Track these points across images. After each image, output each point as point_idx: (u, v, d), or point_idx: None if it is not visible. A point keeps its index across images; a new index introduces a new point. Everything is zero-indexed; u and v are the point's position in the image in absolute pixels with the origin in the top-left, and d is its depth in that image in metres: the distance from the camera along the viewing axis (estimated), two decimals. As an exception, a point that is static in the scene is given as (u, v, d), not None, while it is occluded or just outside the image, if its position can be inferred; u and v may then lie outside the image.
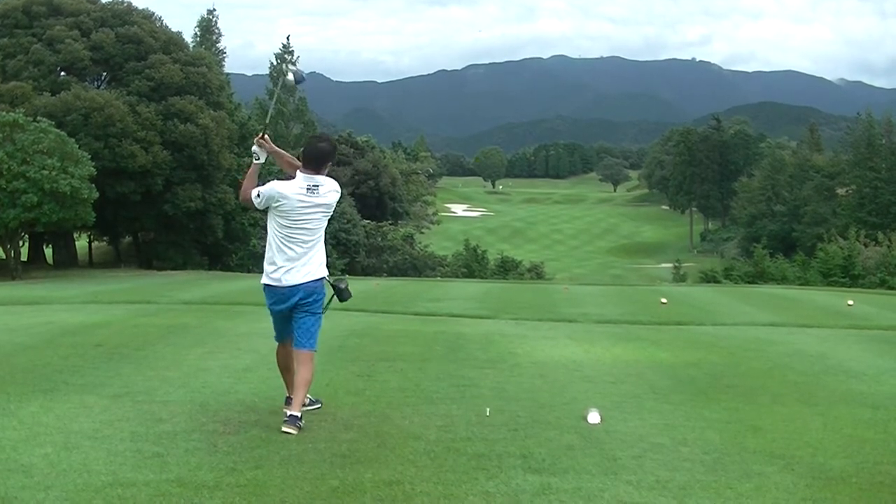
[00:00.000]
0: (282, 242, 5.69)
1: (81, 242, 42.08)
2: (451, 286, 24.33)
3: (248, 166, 6.04)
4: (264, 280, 5.79)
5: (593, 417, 5.88)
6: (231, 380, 7.12)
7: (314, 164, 5.70)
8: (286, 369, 5.98)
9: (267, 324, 11.66)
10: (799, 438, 5.59)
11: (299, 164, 5.83)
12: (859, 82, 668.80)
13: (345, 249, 43.98)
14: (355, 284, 27.39)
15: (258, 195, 5.69)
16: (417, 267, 47.38)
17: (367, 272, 42.76)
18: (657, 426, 5.84)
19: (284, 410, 5.58)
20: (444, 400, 6.56)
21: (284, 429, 5.38)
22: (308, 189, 5.62)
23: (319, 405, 6.06)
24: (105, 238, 41.16)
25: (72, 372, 7.28)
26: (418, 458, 4.88)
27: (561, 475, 4.60)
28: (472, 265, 48.45)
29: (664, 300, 18.12)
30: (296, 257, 5.67)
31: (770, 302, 18.95)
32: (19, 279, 26.74)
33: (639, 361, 8.89)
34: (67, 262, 36.51)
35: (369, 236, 47.92)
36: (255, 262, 36.88)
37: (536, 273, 51.07)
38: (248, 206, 6.06)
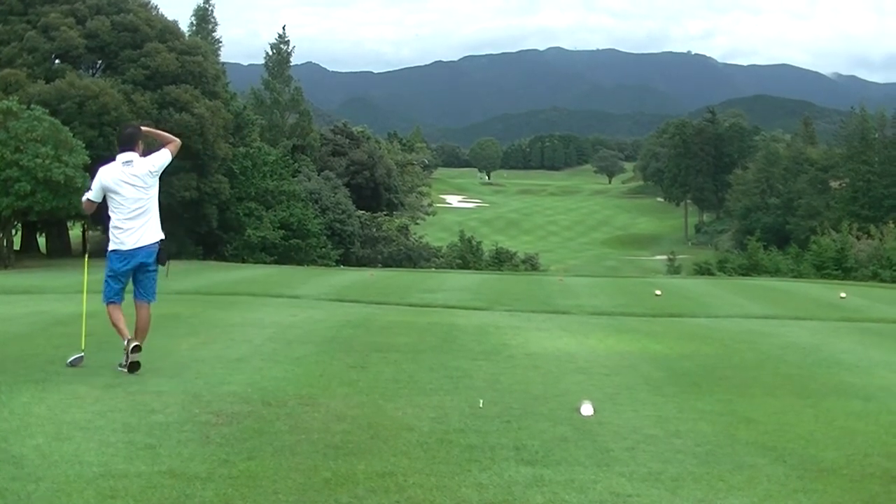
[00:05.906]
0: (122, 212, 6.92)
1: (75, 231, 41.95)
2: (445, 277, 24.34)
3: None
4: (112, 247, 7.00)
5: (586, 409, 5.89)
6: (224, 370, 7.11)
7: (124, 144, 7.17)
8: (118, 320, 7.03)
9: (261, 314, 11.68)
10: (791, 430, 5.60)
11: (171, 136, 7.36)
12: (853, 76, 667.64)
13: (340, 240, 43.87)
14: (350, 275, 27.16)
15: (91, 191, 7.05)
16: (412, 258, 47.35)
17: (361, 263, 42.73)
18: (650, 418, 5.85)
19: (132, 347, 6.83)
20: (438, 391, 6.56)
21: (134, 358, 6.77)
22: (123, 164, 6.99)
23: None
24: (99, 227, 41.02)
25: (64, 362, 7.26)
26: (411, 449, 4.87)
27: (554, 467, 4.61)
28: (466, 256, 48.39)
29: (658, 292, 18.15)
30: (136, 223, 6.93)
31: (763, 294, 19.00)
32: (12, 268, 26.67)
33: (632, 353, 8.91)
34: (61, 251, 36.39)
35: (364, 227, 47.81)
36: (250, 252, 36.75)
37: (531, 264, 51.07)
38: (90, 211, 7.46)
